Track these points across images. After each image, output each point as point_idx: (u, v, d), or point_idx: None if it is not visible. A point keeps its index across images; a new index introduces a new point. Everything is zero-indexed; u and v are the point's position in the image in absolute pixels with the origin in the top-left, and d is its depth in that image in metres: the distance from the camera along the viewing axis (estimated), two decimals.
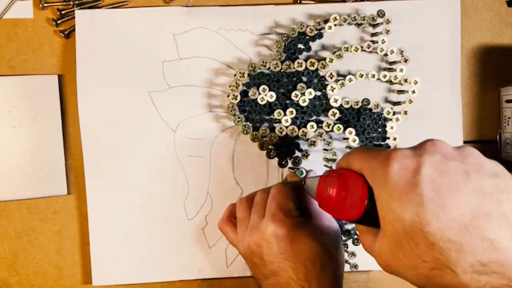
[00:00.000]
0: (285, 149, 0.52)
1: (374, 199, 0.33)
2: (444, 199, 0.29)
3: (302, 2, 0.54)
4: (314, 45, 0.54)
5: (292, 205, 0.45)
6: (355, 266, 0.55)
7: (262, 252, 0.44)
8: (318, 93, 0.53)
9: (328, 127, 0.53)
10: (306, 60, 0.52)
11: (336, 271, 0.44)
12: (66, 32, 0.53)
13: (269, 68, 0.52)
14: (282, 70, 0.52)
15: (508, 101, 0.55)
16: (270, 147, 0.52)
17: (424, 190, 0.30)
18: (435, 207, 0.29)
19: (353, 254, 0.55)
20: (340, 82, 0.53)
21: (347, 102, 0.53)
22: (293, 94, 0.52)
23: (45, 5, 0.52)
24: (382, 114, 0.54)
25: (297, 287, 0.42)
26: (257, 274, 0.46)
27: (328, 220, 0.47)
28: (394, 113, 0.54)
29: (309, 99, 0.52)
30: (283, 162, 0.52)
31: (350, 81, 0.53)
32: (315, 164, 0.55)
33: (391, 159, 0.32)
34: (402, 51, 0.54)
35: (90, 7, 0.53)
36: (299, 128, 0.52)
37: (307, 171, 0.52)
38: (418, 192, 0.30)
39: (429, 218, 0.29)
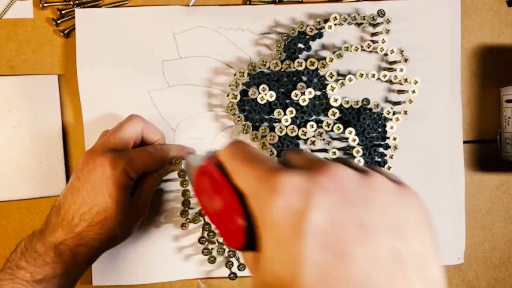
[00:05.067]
0: (285, 149, 0.52)
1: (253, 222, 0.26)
2: (329, 268, 0.23)
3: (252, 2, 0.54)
4: (314, 45, 0.54)
5: (140, 170, 0.46)
6: None
7: (84, 164, 0.45)
8: (318, 93, 0.53)
9: (328, 127, 0.53)
10: (306, 60, 0.52)
11: (105, 242, 0.46)
12: (66, 31, 0.53)
13: (269, 67, 0.52)
14: (282, 70, 0.52)
15: (508, 101, 0.55)
16: (269, 146, 0.52)
17: (308, 247, 0.23)
18: (315, 274, 0.23)
19: None
20: (340, 81, 0.53)
21: (347, 102, 0.53)
22: (293, 93, 0.52)
23: (45, 5, 0.52)
24: (382, 114, 0.54)
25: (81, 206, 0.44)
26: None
27: (146, 205, 0.49)
28: (394, 113, 0.54)
29: (309, 99, 0.52)
30: None
31: (350, 81, 0.53)
32: None
33: (276, 190, 0.24)
34: (402, 51, 0.54)
35: (90, 7, 0.53)
36: (299, 128, 0.52)
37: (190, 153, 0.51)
38: (300, 247, 0.23)
39: (304, 283, 0.23)
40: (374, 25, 0.54)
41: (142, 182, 0.49)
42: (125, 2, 0.53)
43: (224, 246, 0.54)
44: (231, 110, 0.52)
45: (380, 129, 0.54)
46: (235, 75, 0.52)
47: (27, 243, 0.45)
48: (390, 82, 0.55)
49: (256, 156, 0.27)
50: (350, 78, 0.53)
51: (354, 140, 0.52)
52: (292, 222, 0.24)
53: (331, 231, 0.23)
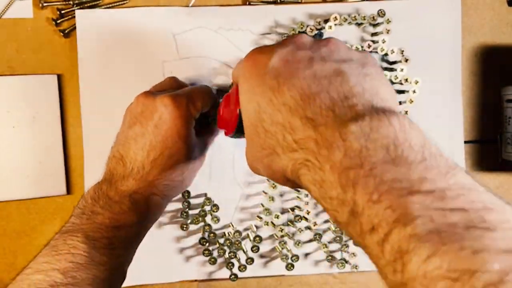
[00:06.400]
0: None
1: None
2: (280, 86, 0.29)
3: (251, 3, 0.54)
4: None
5: (199, 107, 0.44)
6: (355, 266, 0.55)
7: (142, 111, 0.43)
8: None
9: None
10: None
11: (175, 187, 0.45)
12: (66, 31, 0.53)
13: None
14: None
15: (509, 101, 0.55)
16: None
17: (266, 79, 0.30)
18: (271, 94, 0.29)
19: (353, 254, 0.54)
20: None
21: None
22: None
23: (44, 4, 0.52)
24: None
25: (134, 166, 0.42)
26: (122, 130, 0.45)
27: (206, 147, 0.49)
28: None
29: None
30: None
31: None
32: None
33: (248, 57, 0.32)
34: (403, 51, 0.54)
35: (89, 7, 0.53)
36: None
37: None
38: (261, 82, 0.30)
39: (264, 105, 0.30)
40: (375, 25, 0.54)
41: (201, 126, 0.47)
42: (125, 2, 0.53)
43: (225, 247, 0.54)
44: None
45: None
46: None
47: (96, 191, 0.42)
48: (391, 82, 0.55)
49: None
50: None
51: None
52: (258, 71, 0.31)
53: (285, 66, 0.30)
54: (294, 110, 0.28)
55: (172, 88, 0.47)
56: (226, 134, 0.39)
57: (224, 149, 0.54)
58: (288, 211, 0.55)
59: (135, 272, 0.54)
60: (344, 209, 0.25)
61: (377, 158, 0.24)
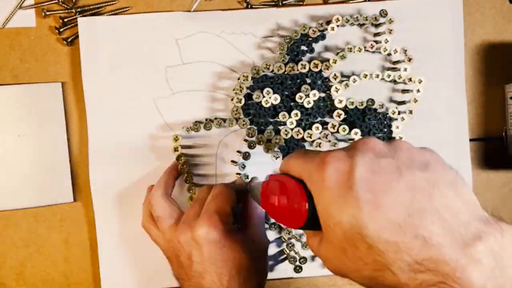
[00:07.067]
0: (290, 151, 0.52)
1: (315, 204, 0.33)
2: (379, 200, 0.29)
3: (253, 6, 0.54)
4: (317, 47, 0.54)
5: (229, 210, 0.46)
6: None
7: (191, 252, 0.44)
8: (323, 95, 0.53)
9: (333, 128, 0.52)
10: (309, 62, 0.52)
11: (258, 284, 0.46)
12: (69, 39, 0.53)
13: (272, 70, 0.52)
14: (285, 72, 0.52)
15: None
16: (275, 149, 0.52)
17: (359, 192, 0.29)
18: (370, 208, 0.29)
19: None
20: (344, 82, 0.53)
21: (352, 103, 0.53)
22: (297, 96, 0.52)
23: (47, 13, 0.53)
24: (387, 114, 0.54)
25: None
26: (180, 273, 0.46)
27: (260, 231, 0.50)
28: (399, 113, 0.54)
29: (314, 101, 0.52)
30: None
31: (354, 82, 0.53)
32: None
33: (326, 163, 0.32)
34: (406, 50, 0.54)
35: (92, 14, 0.53)
36: (304, 130, 0.52)
37: (252, 178, 0.53)
38: (353, 194, 0.29)
39: (366, 221, 0.29)
40: (377, 26, 0.54)
41: (245, 213, 0.49)
42: (127, 9, 0.53)
43: None
44: (236, 114, 0.52)
45: (386, 129, 0.54)
46: (238, 79, 0.52)
47: None
48: (394, 82, 0.55)
49: (307, 153, 0.35)
50: (354, 79, 0.53)
51: None
52: (343, 180, 0.30)
53: (374, 177, 0.30)
54: (405, 228, 0.28)
55: (174, 211, 0.49)
56: (286, 225, 0.38)
57: (230, 153, 0.54)
58: None
59: (146, 278, 0.54)
60: None
61: None
